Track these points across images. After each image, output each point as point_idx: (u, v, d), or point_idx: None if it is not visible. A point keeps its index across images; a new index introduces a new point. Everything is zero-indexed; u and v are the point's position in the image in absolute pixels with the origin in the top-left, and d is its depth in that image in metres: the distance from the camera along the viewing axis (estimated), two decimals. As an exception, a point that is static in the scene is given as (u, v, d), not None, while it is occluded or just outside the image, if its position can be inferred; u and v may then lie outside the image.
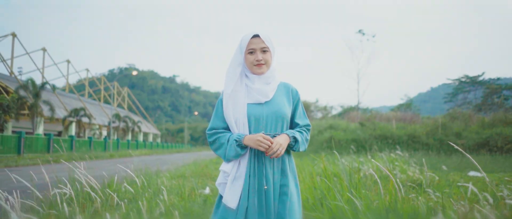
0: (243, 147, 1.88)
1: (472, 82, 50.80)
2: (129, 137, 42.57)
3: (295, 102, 2.07)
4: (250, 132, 1.91)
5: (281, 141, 1.85)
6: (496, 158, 12.61)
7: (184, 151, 40.90)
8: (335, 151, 3.35)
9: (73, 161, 3.67)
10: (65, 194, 2.94)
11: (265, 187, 1.86)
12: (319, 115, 43.61)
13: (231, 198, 1.86)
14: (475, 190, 2.43)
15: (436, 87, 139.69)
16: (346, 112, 39.57)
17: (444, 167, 6.28)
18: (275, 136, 1.90)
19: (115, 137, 38.88)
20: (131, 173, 3.19)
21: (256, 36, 1.97)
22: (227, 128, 2.00)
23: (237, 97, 1.96)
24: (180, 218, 2.45)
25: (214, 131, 1.99)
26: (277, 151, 1.82)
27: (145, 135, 55.79)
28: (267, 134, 1.89)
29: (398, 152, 6.61)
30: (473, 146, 15.69)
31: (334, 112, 46.66)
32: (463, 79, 51.85)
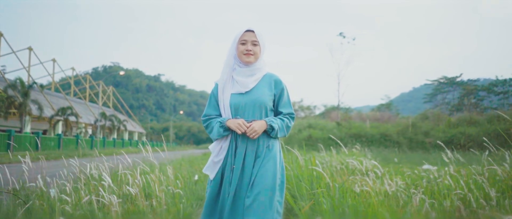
0: (226, 128, 2.19)
1: (450, 83, 52.61)
2: (115, 135, 42.96)
3: (279, 91, 2.29)
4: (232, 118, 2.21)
5: (256, 128, 2.12)
6: (456, 154, 13.93)
7: (170, 149, 41.58)
8: (288, 147, 4.64)
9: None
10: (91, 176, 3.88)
11: (233, 166, 2.16)
12: (302, 114, 44.71)
13: (210, 171, 2.24)
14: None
15: (418, 87, 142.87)
16: (328, 111, 40.95)
17: (395, 159, 7.45)
18: (252, 121, 2.16)
19: (101, 136, 39.27)
20: (140, 162, 4.16)
21: (250, 30, 2.23)
22: (219, 115, 2.30)
23: (225, 88, 2.25)
24: (182, 185, 3.50)
25: (207, 117, 2.32)
26: (251, 134, 2.12)
27: (131, 133, 56.05)
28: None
29: (351, 148, 7.72)
30: (439, 144, 17.07)
31: (317, 111, 47.93)
32: (442, 80, 53.66)
